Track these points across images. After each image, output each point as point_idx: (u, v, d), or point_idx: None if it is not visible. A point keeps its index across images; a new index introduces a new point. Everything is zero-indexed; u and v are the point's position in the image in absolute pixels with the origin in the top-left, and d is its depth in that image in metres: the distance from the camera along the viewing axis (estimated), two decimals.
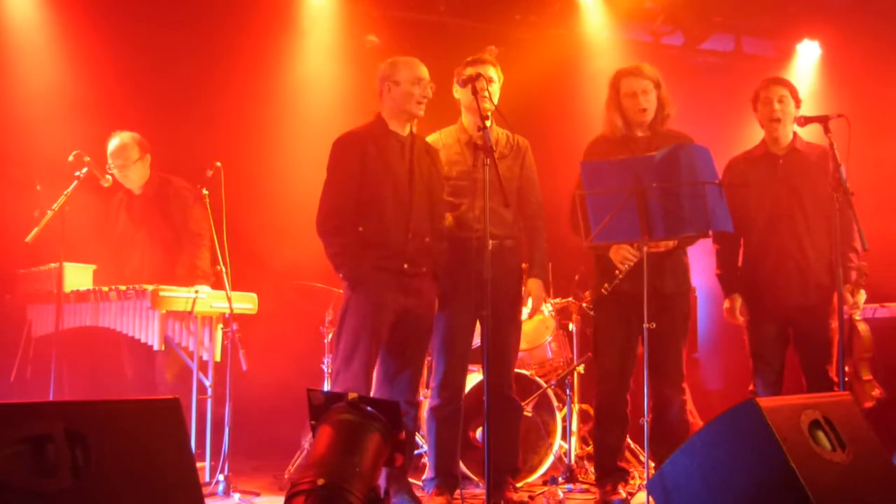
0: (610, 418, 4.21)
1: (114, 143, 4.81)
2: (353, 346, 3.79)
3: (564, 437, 4.80)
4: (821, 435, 2.96)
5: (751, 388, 4.25)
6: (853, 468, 2.93)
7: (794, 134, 4.28)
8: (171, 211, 4.85)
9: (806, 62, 6.96)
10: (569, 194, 4.14)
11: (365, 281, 3.81)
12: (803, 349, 4.23)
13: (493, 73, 4.12)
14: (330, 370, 4.76)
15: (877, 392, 4.65)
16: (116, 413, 2.45)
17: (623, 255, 4.00)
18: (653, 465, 3.85)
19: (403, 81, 3.92)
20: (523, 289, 4.30)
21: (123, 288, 4.36)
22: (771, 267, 4.19)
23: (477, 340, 4.31)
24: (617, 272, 4.01)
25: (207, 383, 4.39)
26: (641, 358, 4.12)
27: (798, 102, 4.23)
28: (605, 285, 4.03)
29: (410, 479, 4.12)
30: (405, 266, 3.86)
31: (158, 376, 4.71)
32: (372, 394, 3.87)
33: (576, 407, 4.94)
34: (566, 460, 4.77)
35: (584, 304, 4.18)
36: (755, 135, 4.43)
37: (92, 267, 4.71)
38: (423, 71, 3.96)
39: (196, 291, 4.33)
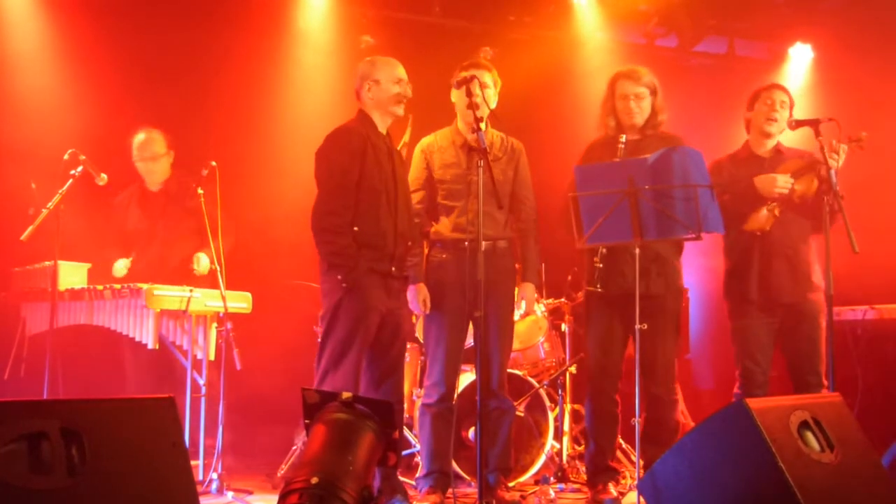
0: (600, 418, 4.25)
1: (141, 136, 4.88)
2: (345, 347, 3.78)
3: (556, 436, 4.82)
4: (810, 436, 2.99)
5: (736, 390, 4.27)
6: (842, 469, 2.96)
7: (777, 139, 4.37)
8: (195, 208, 4.89)
9: (798, 65, 6.99)
10: (562, 195, 4.17)
11: (359, 282, 3.80)
12: (792, 348, 4.26)
13: (488, 78, 4.13)
14: None
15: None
16: (112, 411, 2.47)
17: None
18: (642, 463, 3.87)
19: (384, 80, 3.92)
20: (516, 290, 4.33)
21: (118, 287, 4.37)
22: (761, 266, 4.22)
23: (470, 340, 4.34)
24: (596, 260, 4.04)
25: (201, 382, 4.40)
26: (632, 358, 4.17)
27: (791, 114, 4.32)
28: (597, 285, 4.06)
29: (403, 478, 4.14)
30: (392, 269, 3.89)
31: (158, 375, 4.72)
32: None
33: (568, 407, 4.97)
34: (558, 460, 4.79)
35: (589, 288, 4.16)
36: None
37: (87, 265, 4.72)
38: (402, 71, 3.98)
39: (191, 290, 4.34)
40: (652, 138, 4.18)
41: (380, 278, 3.86)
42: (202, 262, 4.81)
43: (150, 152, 4.88)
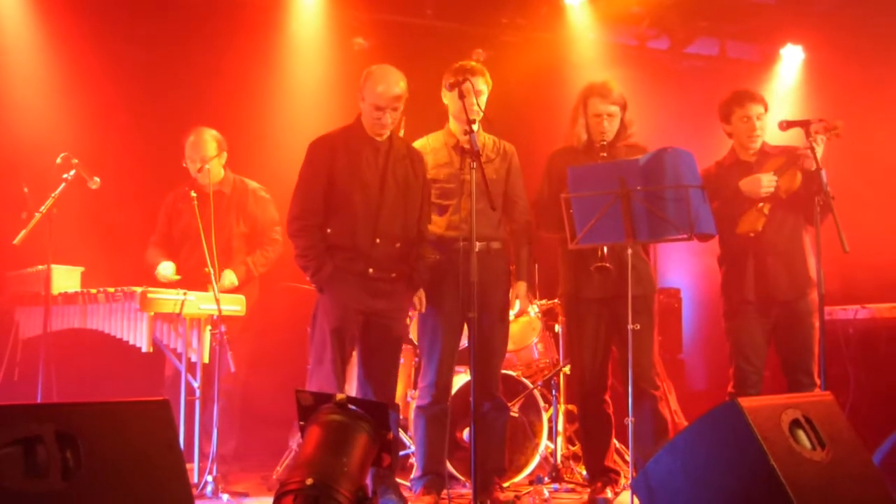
0: (591, 420, 4.29)
1: (192, 138, 4.85)
2: (323, 346, 3.89)
3: (550, 437, 4.83)
4: (801, 434, 3.01)
5: (730, 389, 4.29)
6: (833, 467, 2.98)
7: None
8: (250, 210, 4.95)
9: (789, 66, 7.02)
10: (535, 191, 4.29)
11: (329, 283, 3.89)
12: (786, 348, 4.27)
13: (481, 83, 4.13)
14: None
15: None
16: (106, 414, 2.48)
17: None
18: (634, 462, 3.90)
19: (367, 99, 3.94)
20: (511, 291, 4.34)
21: (112, 290, 4.37)
22: (757, 267, 4.23)
23: (464, 341, 4.35)
24: (599, 253, 4.06)
25: (195, 385, 4.40)
26: (616, 359, 4.22)
27: (766, 110, 4.34)
28: (598, 264, 4.05)
29: (398, 479, 4.15)
30: (370, 270, 3.91)
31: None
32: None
33: (562, 407, 4.98)
34: (552, 460, 4.81)
35: (598, 264, 4.13)
36: None
37: (80, 269, 4.71)
38: (390, 92, 3.87)
39: (184, 293, 4.34)
40: (621, 150, 4.23)
41: (356, 278, 3.91)
42: (225, 279, 4.75)
43: (201, 154, 4.80)
